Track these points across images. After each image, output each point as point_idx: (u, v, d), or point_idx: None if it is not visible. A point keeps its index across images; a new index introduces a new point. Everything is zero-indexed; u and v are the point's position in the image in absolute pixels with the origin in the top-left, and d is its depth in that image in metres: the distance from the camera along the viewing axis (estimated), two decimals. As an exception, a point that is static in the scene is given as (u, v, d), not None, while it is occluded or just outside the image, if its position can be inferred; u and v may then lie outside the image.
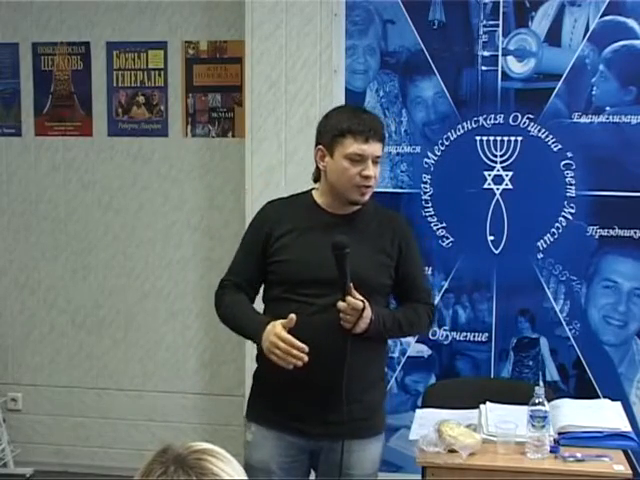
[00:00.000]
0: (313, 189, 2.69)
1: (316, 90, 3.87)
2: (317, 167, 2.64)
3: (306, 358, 2.42)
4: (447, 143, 3.83)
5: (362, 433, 2.61)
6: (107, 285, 4.58)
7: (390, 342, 3.83)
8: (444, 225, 3.84)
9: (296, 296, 2.56)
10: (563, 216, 3.74)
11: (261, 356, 2.61)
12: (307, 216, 2.62)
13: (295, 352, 2.42)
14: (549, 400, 2.82)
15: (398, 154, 3.87)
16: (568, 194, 3.74)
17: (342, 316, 2.46)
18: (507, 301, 3.81)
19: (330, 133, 2.56)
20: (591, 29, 3.68)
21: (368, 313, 2.48)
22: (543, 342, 3.80)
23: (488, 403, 3.02)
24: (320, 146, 2.60)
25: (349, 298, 2.45)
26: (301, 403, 2.56)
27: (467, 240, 3.83)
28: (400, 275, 2.65)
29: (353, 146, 2.52)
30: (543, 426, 2.68)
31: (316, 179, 2.67)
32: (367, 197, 2.58)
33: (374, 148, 2.53)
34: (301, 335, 2.46)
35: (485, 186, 3.79)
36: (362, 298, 2.46)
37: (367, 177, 2.53)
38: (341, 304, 2.45)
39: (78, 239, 4.58)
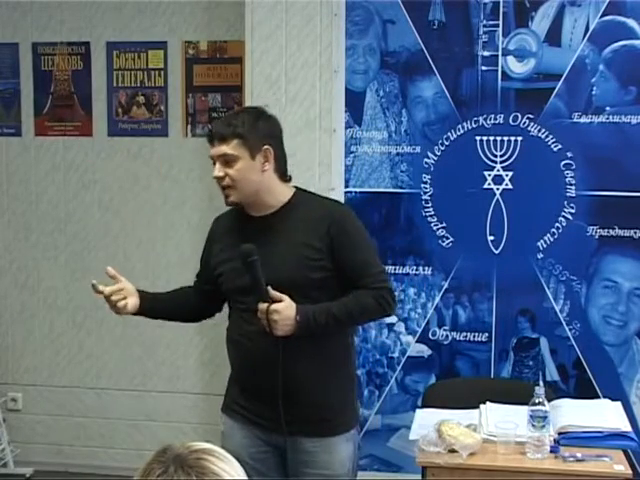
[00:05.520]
0: None
1: (316, 90, 3.87)
2: None
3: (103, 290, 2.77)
4: (447, 143, 3.82)
5: (323, 432, 2.61)
6: (107, 285, 4.56)
7: (389, 342, 3.88)
8: (444, 225, 3.84)
9: (238, 304, 2.64)
10: (563, 216, 3.74)
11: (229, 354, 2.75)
12: (236, 225, 2.68)
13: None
14: (549, 400, 2.82)
15: (398, 154, 3.87)
16: (568, 194, 3.74)
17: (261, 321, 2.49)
18: (507, 301, 3.81)
19: None
20: (591, 29, 3.67)
21: (286, 315, 2.46)
22: (543, 342, 3.80)
23: (488, 403, 3.02)
24: None
25: (260, 304, 2.46)
26: (255, 400, 2.63)
27: (467, 240, 3.82)
28: (337, 265, 2.57)
29: None
30: (543, 426, 2.68)
31: None
32: (231, 199, 2.59)
33: (216, 149, 2.59)
34: (240, 341, 2.61)
35: (485, 186, 3.79)
36: (281, 297, 2.46)
37: (215, 178, 2.59)
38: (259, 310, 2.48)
39: (78, 239, 4.58)
